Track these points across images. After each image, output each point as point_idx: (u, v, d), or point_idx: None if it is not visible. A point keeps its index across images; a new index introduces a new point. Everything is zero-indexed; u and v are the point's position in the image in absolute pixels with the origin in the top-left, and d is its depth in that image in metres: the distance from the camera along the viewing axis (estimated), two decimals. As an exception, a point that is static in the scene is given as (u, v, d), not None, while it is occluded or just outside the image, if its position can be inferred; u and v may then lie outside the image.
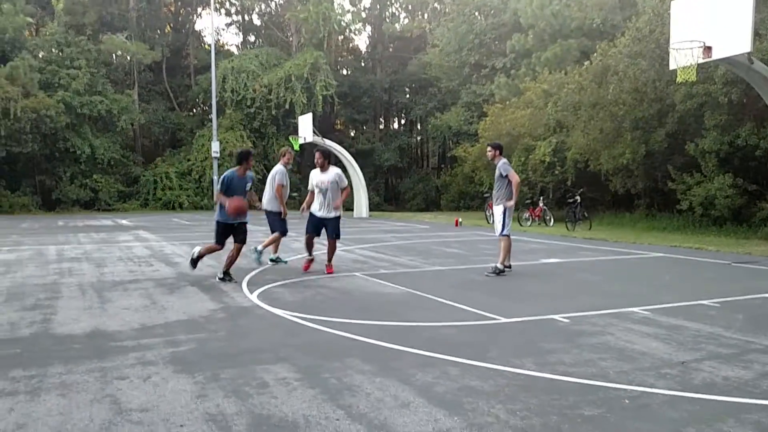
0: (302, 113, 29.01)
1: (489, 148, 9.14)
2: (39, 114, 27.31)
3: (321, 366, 4.25)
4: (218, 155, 30.71)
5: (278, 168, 9.40)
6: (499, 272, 8.58)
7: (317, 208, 8.73)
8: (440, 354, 4.54)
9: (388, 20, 42.18)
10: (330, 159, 8.95)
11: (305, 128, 24.71)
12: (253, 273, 8.68)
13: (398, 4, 43.26)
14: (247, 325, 5.57)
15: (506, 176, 8.71)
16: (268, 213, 9.39)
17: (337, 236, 8.82)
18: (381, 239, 14.45)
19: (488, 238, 14.53)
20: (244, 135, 33.30)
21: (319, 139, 24.49)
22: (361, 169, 29.13)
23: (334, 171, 8.77)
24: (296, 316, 5.88)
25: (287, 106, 32.76)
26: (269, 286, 7.62)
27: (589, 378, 4.00)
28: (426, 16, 41.97)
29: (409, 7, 42.74)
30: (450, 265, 9.87)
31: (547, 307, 6.33)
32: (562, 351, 4.66)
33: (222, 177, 7.97)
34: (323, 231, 8.83)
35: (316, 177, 8.77)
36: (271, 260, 9.69)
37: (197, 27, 41.39)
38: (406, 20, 43.11)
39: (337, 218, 8.79)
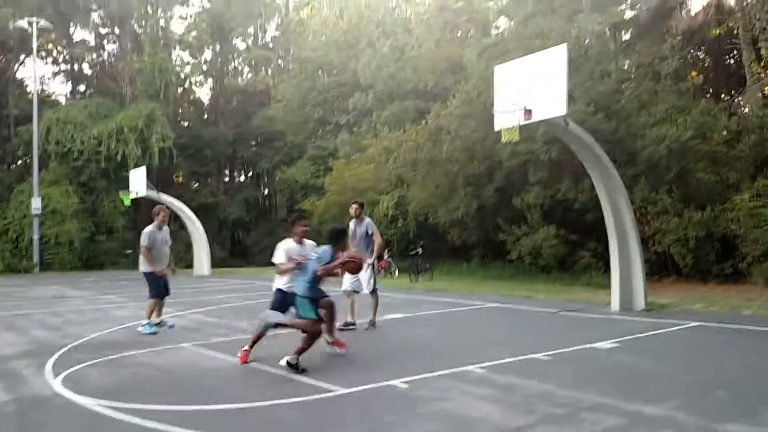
0: (136, 166, 27.23)
1: (356, 206, 9.17)
2: None
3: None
4: (39, 212, 27.75)
5: (146, 230, 9.01)
6: (372, 324, 8.93)
7: None
8: (268, 441, 4.07)
9: (230, 74, 41.62)
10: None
11: (138, 182, 23.14)
12: (63, 350, 7.58)
13: (241, 59, 42.95)
14: (39, 422, 4.70)
15: (371, 235, 8.97)
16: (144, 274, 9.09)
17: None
18: (221, 300, 13.60)
19: (333, 294, 14.26)
20: (69, 189, 30.50)
21: (154, 194, 23.04)
22: (205, 223, 27.82)
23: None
24: (103, 405, 5.07)
25: (119, 159, 30.66)
26: (79, 366, 6.63)
27: (425, 457, 3.74)
28: (269, 71, 41.99)
29: (253, 62, 42.55)
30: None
31: (388, 371, 6.09)
32: (400, 425, 4.40)
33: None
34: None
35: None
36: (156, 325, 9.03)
37: (19, 75, 37.83)
38: (250, 75, 42.83)
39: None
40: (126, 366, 6.71)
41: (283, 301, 7.03)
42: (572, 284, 15.31)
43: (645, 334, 7.92)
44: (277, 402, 5.07)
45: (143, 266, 8.97)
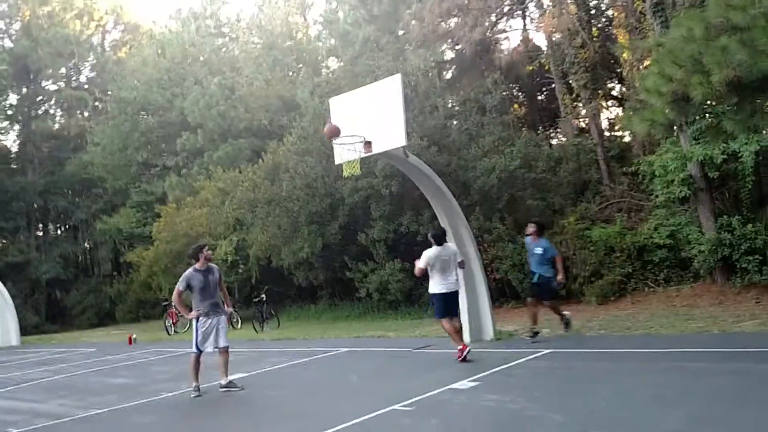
0: None
1: (209, 251, 8.30)
2: None
3: None
4: None
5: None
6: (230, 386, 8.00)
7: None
8: None
9: (40, 118, 37.57)
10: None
11: None
12: None
13: (53, 100, 39.04)
14: None
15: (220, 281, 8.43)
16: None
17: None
18: (24, 378, 11.46)
19: (165, 356, 12.74)
20: None
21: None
22: (15, 284, 24.33)
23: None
24: None
25: None
26: None
27: None
28: (86, 113, 38.54)
29: (65, 104, 38.81)
30: (111, 404, 7.93)
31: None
32: None
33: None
34: None
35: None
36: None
37: None
38: (63, 118, 39.01)
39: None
40: None
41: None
42: (420, 317, 15.13)
43: (501, 368, 7.66)
44: None
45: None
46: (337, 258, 18.16)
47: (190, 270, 8.09)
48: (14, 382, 10.78)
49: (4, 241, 35.66)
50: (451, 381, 7.00)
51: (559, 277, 9.67)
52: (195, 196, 23.36)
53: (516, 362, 7.95)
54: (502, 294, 15.70)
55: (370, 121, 8.75)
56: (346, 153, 8.89)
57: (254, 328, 16.73)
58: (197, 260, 8.05)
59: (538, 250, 9.63)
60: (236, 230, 21.19)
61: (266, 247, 18.89)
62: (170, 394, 8.23)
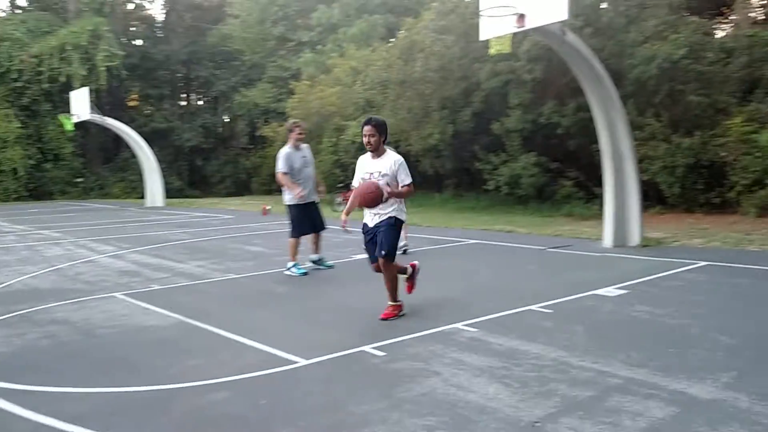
0: (82, 87, 24.96)
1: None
2: None
3: None
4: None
5: (282, 152, 7.68)
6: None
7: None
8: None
9: (183, -13, 38.42)
10: (385, 136, 5.63)
11: (80, 105, 21.09)
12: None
13: (194, -31, 39.62)
14: None
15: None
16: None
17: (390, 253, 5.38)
18: (168, 237, 12.22)
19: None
20: (10, 113, 28.05)
21: (98, 118, 21.09)
22: (161, 150, 26.03)
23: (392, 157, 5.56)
24: (-15, 390, 3.85)
25: (63, 80, 28.17)
26: (-25, 328, 5.37)
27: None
28: (226, -16, 38.88)
29: (207, -27, 39.29)
30: (247, 270, 8.18)
31: (358, 331, 4.99)
32: (377, 418, 3.27)
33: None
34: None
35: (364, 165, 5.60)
36: (313, 262, 8.10)
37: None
38: (204, -13, 39.65)
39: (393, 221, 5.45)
40: (37, 324, 5.45)
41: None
42: (552, 215, 14.36)
43: (651, 277, 6.93)
44: (217, 381, 3.90)
45: (286, 197, 7.79)
46: (467, 147, 17.44)
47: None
48: (160, 241, 11.50)
49: (150, 108, 38.00)
50: (593, 286, 6.40)
51: None
52: (328, 74, 23.17)
53: (668, 272, 7.17)
54: (646, 197, 14.43)
55: (526, -9, 7.72)
56: (495, 27, 7.98)
57: (379, 211, 16.74)
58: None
59: None
60: (366, 112, 20.89)
61: (395, 131, 18.47)
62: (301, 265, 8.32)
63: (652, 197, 14.46)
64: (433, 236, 11.35)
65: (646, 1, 15.23)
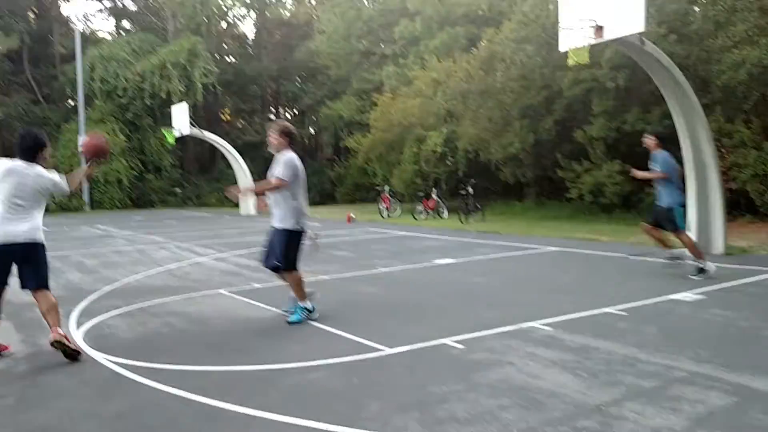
0: (181, 102, 26.82)
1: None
2: None
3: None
4: (87, 151, 27.75)
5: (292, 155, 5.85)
6: None
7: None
8: (301, 418, 3.44)
9: (273, 5, 40.31)
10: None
11: (180, 119, 22.70)
12: (92, 297, 7.18)
13: (284, -12, 41.49)
14: (50, 384, 4.20)
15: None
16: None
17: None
18: (260, 242, 13.07)
19: (380, 236, 13.62)
20: (116, 128, 30.47)
21: (197, 131, 22.63)
22: (251, 162, 27.45)
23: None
24: (123, 363, 4.56)
25: (163, 96, 30.31)
26: (104, 316, 6.19)
27: (489, 446, 3.05)
28: (313, 1, 40.48)
29: (295, -8, 41.06)
30: (335, 272, 8.78)
31: (439, 327, 5.41)
32: (455, 398, 3.71)
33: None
34: None
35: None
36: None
37: (64, 12, 37.46)
38: (293, 6, 41.42)
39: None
40: (156, 315, 6.23)
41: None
42: (637, 225, 14.16)
43: (731, 284, 6.97)
44: (313, 363, 4.45)
45: (289, 222, 5.76)
46: (549, 155, 17.51)
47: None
48: (257, 245, 12.34)
49: (242, 122, 40.05)
50: (671, 291, 6.54)
51: None
52: (409, 86, 23.76)
53: (749, 279, 7.17)
54: (736, 206, 14.05)
55: (603, 3, 7.95)
56: (573, 38, 8.24)
57: (459, 219, 17.09)
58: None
59: None
60: (447, 122, 21.31)
61: (475, 140, 18.79)
62: (385, 269, 8.84)
63: (743, 206, 14.06)
64: (514, 243, 11.60)
65: (737, 5, 14.85)
